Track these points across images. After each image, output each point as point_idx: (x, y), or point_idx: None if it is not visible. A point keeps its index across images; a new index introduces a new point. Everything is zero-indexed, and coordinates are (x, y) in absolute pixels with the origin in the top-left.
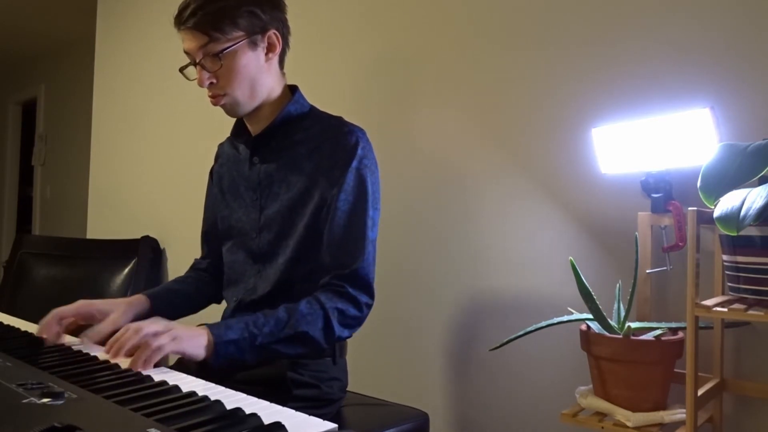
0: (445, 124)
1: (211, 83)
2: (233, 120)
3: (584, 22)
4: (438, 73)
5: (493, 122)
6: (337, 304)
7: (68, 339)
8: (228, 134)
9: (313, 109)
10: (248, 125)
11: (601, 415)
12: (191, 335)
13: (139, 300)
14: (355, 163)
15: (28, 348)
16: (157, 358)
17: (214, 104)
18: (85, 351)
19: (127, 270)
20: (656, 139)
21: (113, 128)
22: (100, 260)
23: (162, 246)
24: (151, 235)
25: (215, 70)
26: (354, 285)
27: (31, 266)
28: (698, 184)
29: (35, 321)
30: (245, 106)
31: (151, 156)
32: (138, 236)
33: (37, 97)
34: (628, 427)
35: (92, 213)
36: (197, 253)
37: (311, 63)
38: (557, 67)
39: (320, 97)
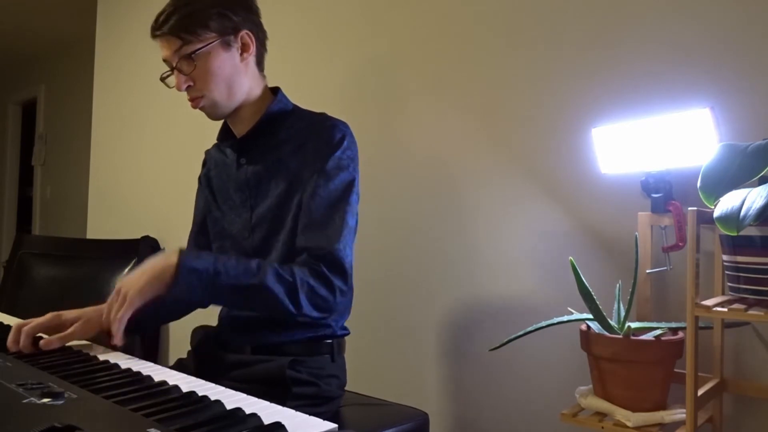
0: (444, 124)
1: (189, 86)
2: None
3: (584, 22)
4: (437, 73)
5: (493, 122)
6: (309, 279)
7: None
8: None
9: (296, 107)
10: (232, 128)
11: (601, 415)
12: (139, 277)
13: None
14: (338, 153)
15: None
16: (124, 313)
17: (194, 107)
18: (85, 351)
19: (127, 270)
20: (656, 139)
21: (113, 128)
22: (100, 260)
23: (162, 246)
24: (151, 235)
25: (190, 71)
26: (329, 266)
27: (31, 266)
28: (698, 184)
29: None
30: (224, 107)
31: (151, 156)
32: (138, 236)
33: (37, 97)
34: (628, 427)
35: (92, 213)
36: None
37: (307, 63)
38: (557, 67)
39: (316, 97)
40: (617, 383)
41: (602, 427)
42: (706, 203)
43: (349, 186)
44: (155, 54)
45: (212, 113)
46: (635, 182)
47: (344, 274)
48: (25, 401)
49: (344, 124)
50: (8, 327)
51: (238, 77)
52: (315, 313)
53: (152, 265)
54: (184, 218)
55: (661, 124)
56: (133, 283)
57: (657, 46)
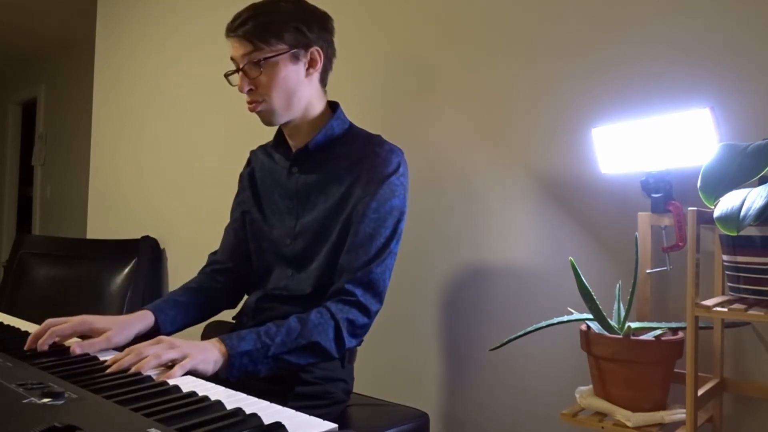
0: (444, 124)
1: (251, 90)
2: (235, 123)
3: (584, 22)
4: (436, 73)
5: (493, 122)
6: (347, 314)
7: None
8: (233, 137)
9: (352, 125)
10: (288, 138)
11: (601, 415)
12: (200, 350)
13: (141, 316)
14: (392, 179)
15: (28, 348)
16: (150, 367)
17: (251, 110)
18: (91, 354)
19: (127, 270)
20: (656, 139)
21: (113, 128)
22: (100, 260)
23: (162, 246)
24: (151, 235)
25: (255, 77)
26: (366, 290)
27: (31, 266)
28: (698, 184)
29: (35, 321)
30: (280, 115)
31: (151, 156)
32: (138, 236)
33: (37, 97)
34: (628, 427)
35: (92, 213)
36: (197, 253)
37: None
38: (557, 67)
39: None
40: (617, 383)
41: (602, 427)
42: (706, 203)
43: (398, 213)
44: (155, 54)
45: (267, 119)
46: (635, 182)
47: (379, 296)
48: (25, 401)
49: (400, 150)
50: (8, 327)
51: (300, 90)
52: (354, 342)
53: (201, 347)
54: (184, 218)
55: (661, 124)
56: (189, 345)
57: (657, 46)
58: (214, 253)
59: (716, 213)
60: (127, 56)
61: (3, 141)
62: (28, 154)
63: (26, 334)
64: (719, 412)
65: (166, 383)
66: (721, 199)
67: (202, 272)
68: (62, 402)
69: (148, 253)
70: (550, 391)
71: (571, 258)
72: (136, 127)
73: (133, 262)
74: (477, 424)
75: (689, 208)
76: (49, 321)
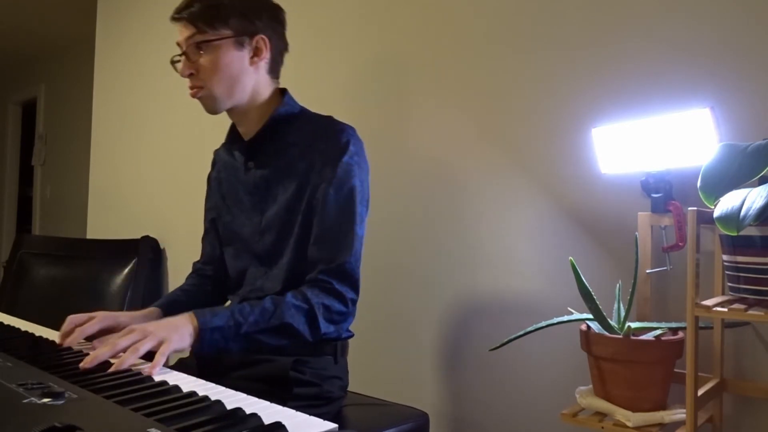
0: (444, 124)
1: (191, 74)
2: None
3: (584, 22)
4: (437, 73)
5: (493, 122)
6: (323, 300)
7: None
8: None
9: (303, 110)
10: (239, 129)
11: (601, 415)
12: (174, 328)
13: (153, 314)
14: (345, 159)
15: (28, 348)
16: (130, 363)
17: (192, 96)
18: (85, 351)
19: (127, 270)
20: (656, 139)
21: (113, 128)
22: (100, 260)
23: (162, 246)
24: (151, 235)
25: (195, 60)
26: (341, 280)
27: (31, 266)
28: (698, 184)
29: (35, 321)
30: (222, 102)
31: (151, 156)
32: (138, 236)
33: (37, 97)
34: (628, 427)
35: (92, 213)
36: (197, 254)
37: (309, 64)
38: (557, 67)
39: (318, 98)
40: (617, 383)
41: (602, 427)
42: (706, 203)
43: (357, 194)
44: (155, 54)
45: (209, 106)
46: (635, 182)
47: (355, 284)
48: (25, 401)
49: (351, 128)
50: (8, 327)
51: (243, 78)
52: (332, 329)
53: (173, 325)
54: (184, 218)
55: (661, 124)
56: (161, 328)
57: (657, 46)
58: (197, 262)
59: (716, 213)
60: (127, 56)
61: (3, 141)
62: (28, 154)
63: (26, 334)
64: (719, 412)
65: (165, 383)
66: (721, 199)
67: (191, 277)
68: (62, 402)
69: (148, 253)
70: (550, 391)
71: (571, 258)
72: (136, 127)
73: (133, 262)
74: (477, 424)
75: (689, 208)
76: (72, 318)
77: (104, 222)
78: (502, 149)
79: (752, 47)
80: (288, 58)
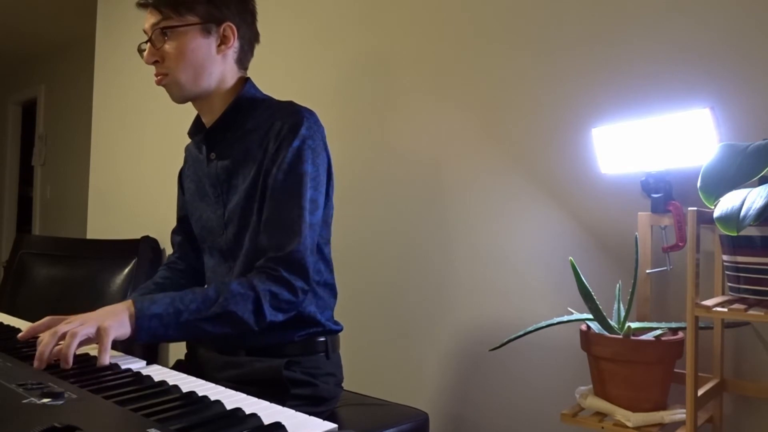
0: (442, 124)
1: (156, 61)
2: None
3: (584, 22)
4: (436, 73)
5: (493, 122)
6: (270, 287)
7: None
8: None
9: (268, 98)
10: (202, 118)
11: (601, 415)
12: (113, 315)
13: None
14: (296, 143)
15: (29, 348)
16: (72, 349)
17: (157, 83)
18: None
19: (127, 270)
20: (656, 139)
21: (113, 128)
22: (100, 260)
23: (162, 246)
24: (151, 235)
25: (160, 47)
26: (288, 268)
27: (31, 266)
28: (698, 184)
29: (35, 321)
30: (187, 90)
31: (151, 156)
32: (138, 236)
33: (37, 97)
34: (628, 427)
35: (92, 213)
36: None
37: (302, 62)
38: (557, 67)
39: (312, 96)
40: (617, 383)
41: (602, 427)
42: (706, 203)
43: (308, 179)
44: None
45: (174, 94)
46: (635, 182)
47: (304, 272)
48: (25, 401)
49: (308, 110)
50: (8, 327)
51: (209, 65)
52: (280, 317)
53: (111, 312)
54: None
55: (661, 124)
56: (100, 315)
57: (657, 46)
58: (170, 255)
59: (716, 213)
60: (127, 56)
61: (3, 141)
62: (28, 154)
63: None
64: (719, 412)
65: (165, 383)
66: (721, 199)
67: (163, 269)
68: (62, 402)
69: (148, 253)
70: (550, 391)
71: (571, 258)
72: (136, 127)
73: (133, 262)
74: (477, 424)
75: (689, 208)
76: (50, 319)
77: (104, 222)
78: (502, 149)
79: (752, 47)
80: (277, 56)
